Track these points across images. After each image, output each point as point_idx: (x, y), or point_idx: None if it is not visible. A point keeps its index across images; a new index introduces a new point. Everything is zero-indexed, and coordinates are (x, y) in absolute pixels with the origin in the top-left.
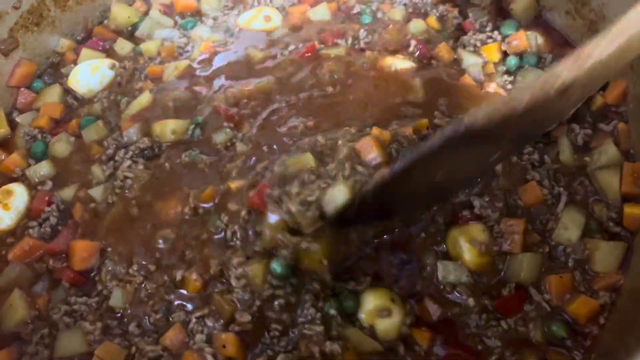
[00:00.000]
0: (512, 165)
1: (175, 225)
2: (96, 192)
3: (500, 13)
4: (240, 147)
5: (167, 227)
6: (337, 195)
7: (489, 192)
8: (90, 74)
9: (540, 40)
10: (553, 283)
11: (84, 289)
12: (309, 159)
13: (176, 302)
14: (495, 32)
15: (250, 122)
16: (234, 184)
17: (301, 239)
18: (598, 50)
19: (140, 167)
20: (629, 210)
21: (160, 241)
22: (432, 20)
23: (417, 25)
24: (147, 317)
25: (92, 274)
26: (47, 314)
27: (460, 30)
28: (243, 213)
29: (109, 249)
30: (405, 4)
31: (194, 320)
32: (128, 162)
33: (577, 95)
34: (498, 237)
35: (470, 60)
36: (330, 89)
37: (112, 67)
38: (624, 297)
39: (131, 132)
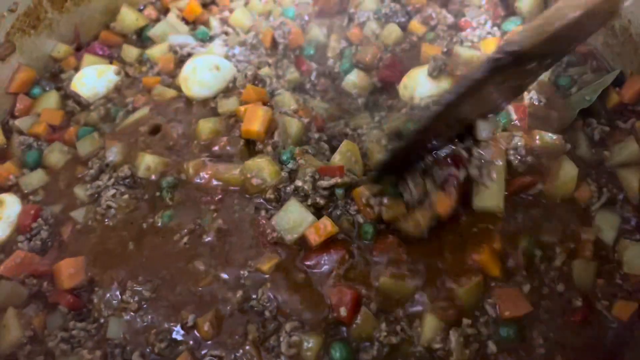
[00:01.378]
0: None
1: (180, 272)
2: (78, 214)
3: (503, 10)
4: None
5: (169, 267)
6: None
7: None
8: (96, 78)
9: None
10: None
11: (82, 313)
12: None
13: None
14: (495, 28)
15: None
16: (266, 266)
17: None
18: None
19: (125, 196)
20: None
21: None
22: (415, 25)
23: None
24: (150, 347)
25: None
26: (42, 335)
27: (456, 29)
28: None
29: (97, 278)
30: (377, 18)
31: (208, 358)
32: (112, 191)
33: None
34: None
35: (467, 56)
36: None
37: (118, 72)
38: None
39: (113, 152)
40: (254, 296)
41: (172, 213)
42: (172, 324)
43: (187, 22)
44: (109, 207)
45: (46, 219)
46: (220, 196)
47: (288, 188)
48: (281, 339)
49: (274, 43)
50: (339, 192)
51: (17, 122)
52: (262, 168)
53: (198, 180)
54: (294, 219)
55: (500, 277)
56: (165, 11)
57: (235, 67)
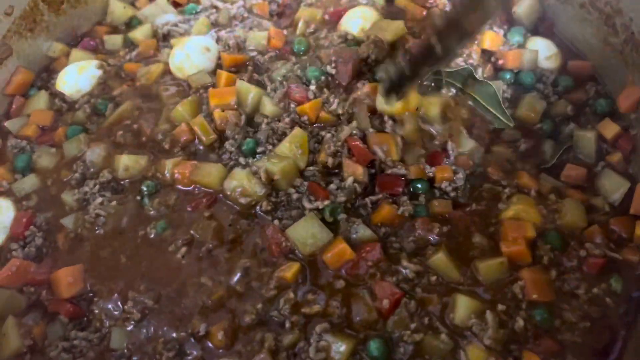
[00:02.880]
0: None
1: (184, 286)
2: (68, 221)
3: (504, 15)
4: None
5: (171, 280)
6: None
7: None
8: (77, 75)
9: (550, 51)
10: None
11: (83, 322)
12: None
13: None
14: (500, 30)
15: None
16: (289, 274)
17: None
18: None
19: (113, 203)
20: None
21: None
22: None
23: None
24: (158, 356)
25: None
26: (42, 344)
27: None
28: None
29: (95, 288)
30: None
31: None
32: (100, 199)
33: None
34: None
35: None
36: None
37: (100, 66)
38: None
39: (95, 154)
40: (275, 306)
41: (165, 223)
42: (182, 333)
43: (178, 5)
44: (98, 215)
45: (40, 226)
46: (208, 201)
47: (282, 198)
48: (311, 340)
49: (270, 14)
50: (341, 216)
51: (7, 124)
52: (243, 185)
53: (180, 187)
54: (312, 232)
55: (531, 262)
56: None
57: (217, 41)
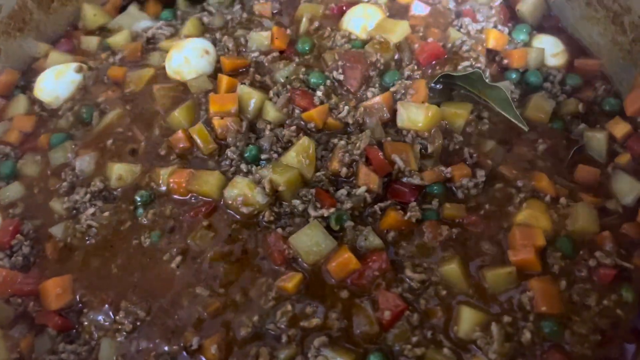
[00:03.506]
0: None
1: (179, 296)
2: (58, 230)
3: (508, 13)
4: None
5: (164, 290)
6: None
7: None
8: (54, 80)
9: (557, 48)
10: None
11: (72, 334)
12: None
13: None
14: (505, 28)
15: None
16: (290, 284)
17: None
18: None
19: (106, 213)
20: None
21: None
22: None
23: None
24: None
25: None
26: (30, 358)
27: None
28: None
29: (85, 299)
30: None
31: None
32: (92, 209)
33: None
34: None
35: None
36: None
37: (79, 70)
38: None
39: (85, 162)
40: (272, 319)
41: (160, 232)
42: (174, 346)
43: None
44: (90, 226)
45: (27, 234)
46: (207, 209)
47: (287, 208)
48: (309, 355)
49: (272, 14)
50: (349, 224)
51: None
52: (244, 194)
53: (176, 196)
54: (316, 241)
55: (540, 271)
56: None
57: (214, 43)
